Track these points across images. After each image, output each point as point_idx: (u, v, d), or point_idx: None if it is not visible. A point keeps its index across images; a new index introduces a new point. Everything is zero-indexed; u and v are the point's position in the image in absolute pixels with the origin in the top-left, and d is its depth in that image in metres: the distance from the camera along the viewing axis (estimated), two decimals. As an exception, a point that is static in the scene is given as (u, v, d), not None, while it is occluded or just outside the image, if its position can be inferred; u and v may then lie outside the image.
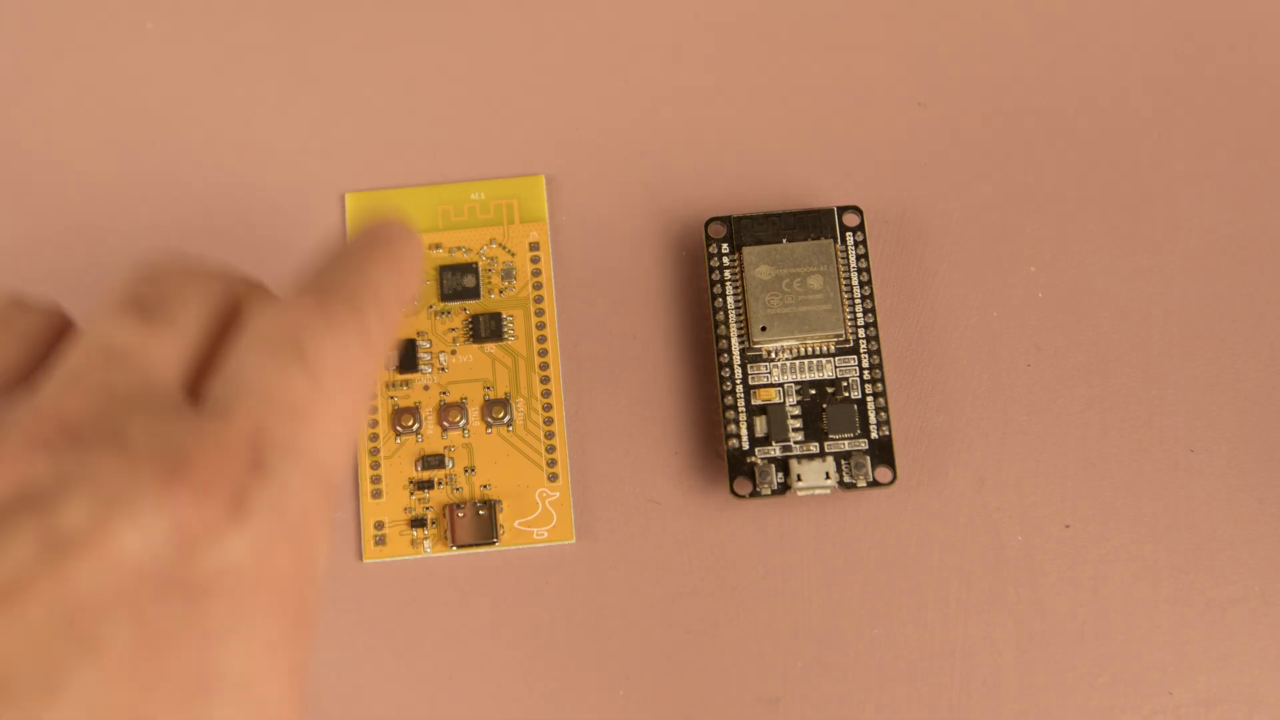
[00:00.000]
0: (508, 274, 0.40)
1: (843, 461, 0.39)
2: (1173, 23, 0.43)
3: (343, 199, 0.42)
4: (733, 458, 0.39)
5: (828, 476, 0.38)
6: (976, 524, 0.39)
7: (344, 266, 0.27)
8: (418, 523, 0.39)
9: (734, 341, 0.39)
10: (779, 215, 0.40)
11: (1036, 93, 0.43)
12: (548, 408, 0.40)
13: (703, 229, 0.41)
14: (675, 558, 0.39)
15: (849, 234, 0.40)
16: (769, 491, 0.38)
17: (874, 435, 0.39)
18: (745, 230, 0.40)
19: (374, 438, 0.39)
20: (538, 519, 0.39)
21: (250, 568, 0.24)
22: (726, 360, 0.39)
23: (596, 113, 0.43)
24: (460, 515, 0.39)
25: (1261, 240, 0.41)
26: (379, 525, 0.39)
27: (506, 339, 0.40)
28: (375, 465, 0.39)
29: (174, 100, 0.43)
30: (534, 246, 0.41)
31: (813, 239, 0.40)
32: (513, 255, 0.41)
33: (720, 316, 0.40)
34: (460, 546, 0.38)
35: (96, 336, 0.25)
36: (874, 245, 0.41)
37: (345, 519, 0.39)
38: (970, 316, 0.41)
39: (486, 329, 0.40)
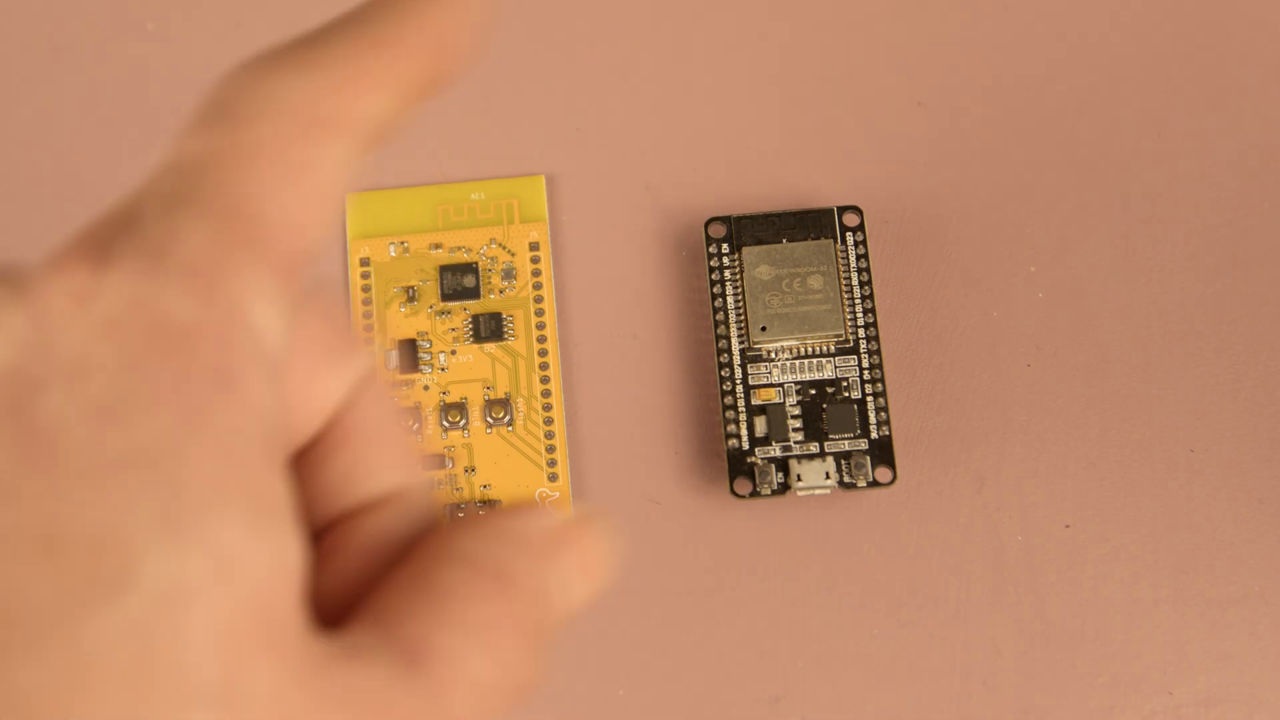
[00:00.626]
0: (508, 274, 0.41)
1: (843, 461, 0.39)
2: (1173, 22, 0.43)
3: (343, 199, 0.42)
4: (733, 458, 0.39)
5: (828, 476, 0.38)
6: (976, 524, 0.39)
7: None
8: None
9: (734, 341, 0.39)
10: (779, 215, 0.40)
11: (1036, 92, 0.43)
12: (548, 408, 0.40)
13: (703, 229, 0.41)
14: (675, 558, 0.39)
15: (849, 234, 0.40)
16: (769, 491, 0.38)
17: (874, 435, 0.39)
18: (745, 230, 0.40)
19: None
20: None
21: (133, 318, 0.21)
22: (726, 360, 0.39)
23: (597, 113, 0.43)
24: (460, 515, 0.39)
25: (1261, 240, 0.41)
26: None
27: (507, 339, 0.40)
28: None
29: (174, 100, 0.43)
30: (534, 246, 0.41)
31: (813, 239, 0.40)
32: (513, 255, 0.41)
33: (720, 316, 0.40)
34: None
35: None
36: (874, 245, 0.41)
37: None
38: (970, 316, 0.41)
39: (487, 329, 0.40)
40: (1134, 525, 0.39)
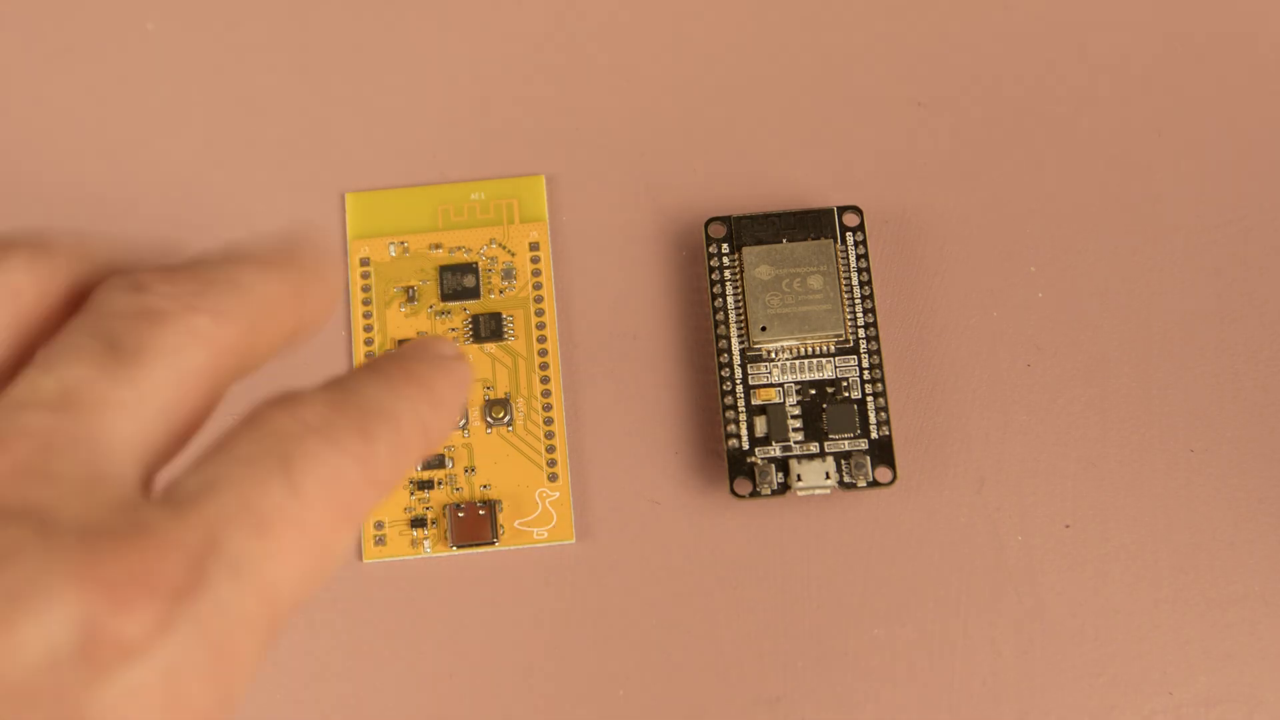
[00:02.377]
0: (508, 274, 0.40)
1: (843, 461, 0.39)
2: (1172, 23, 0.43)
3: (343, 199, 0.42)
4: (733, 458, 0.39)
5: (828, 476, 0.38)
6: (976, 524, 0.39)
7: (372, 379, 0.23)
8: (418, 523, 0.39)
9: (734, 341, 0.39)
10: (779, 215, 0.40)
11: (1036, 93, 0.43)
12: (548, 408, 0.40)
13: (703, 229, 0.41)
14: (675, 558, 0.39)
15: (849, 234, 0.40)
16: (769, 491, 0.38)
17: (874, 435, 0.39)
18: (745, 230, 0.40)
19: None
20: (538, 519, 0.39)
21: (155, 702, 0.21)
22: (726, 360, 0.39)
23: (596, 113, 0.43)
24: (460, 515, 0.39)
25: (1261, 240, 0.42)
26: (379, 525, 0.39)
27: (507, 339, 0.40)
28: None
29: (174, 100, 0.43)
30: (534, 246, 0.41)
31: (813, 239, 0.40)
32: (513, 255, 0.41)
33: (720, 316, 0.40)
34: (460, 546, 0.38)
35: (57, 367, 0.22)
36: (874, 245, 0.41)
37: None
38: (970, 316, 0.41)
39: (486, 329, 0.40)
40: (1134, 525, 0.39)
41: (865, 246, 0.40)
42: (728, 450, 0.39)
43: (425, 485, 0.39)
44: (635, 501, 0.40)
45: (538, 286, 0.40)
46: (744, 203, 0.42)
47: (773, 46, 0.43)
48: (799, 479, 0.38)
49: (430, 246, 0.41)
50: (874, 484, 0.38)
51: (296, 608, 0.22)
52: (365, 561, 0.39)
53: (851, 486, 0.38)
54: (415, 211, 0.41)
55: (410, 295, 0.40)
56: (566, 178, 0.42)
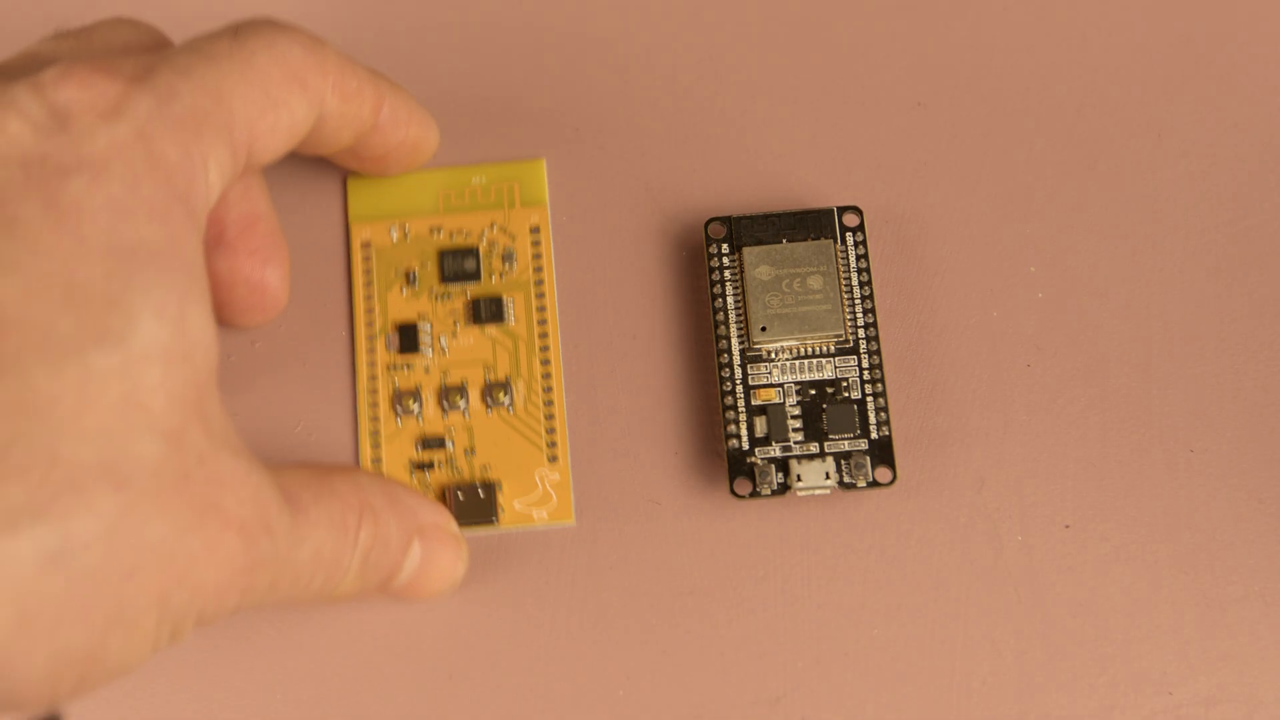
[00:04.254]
0: (508, 257, 0.40)
1: (843, 461, 0.39)
2: (1173, 23, 0.43)
3: (344, 182, 0.42)
4: (733, 458, 0.39)
5: (828, 476, 0.38)
6: (976, 524, 0.39)
7: None
8: None
9: (734, 341, 0.39)
10: (779, 215, 0.40)
11: (1036, 93, 0.43)
12: (548, 389, 0.40)
13: (703, 229, 0.41)
14: (675, 558, 0.39)
15: (849, 234, 0.40)
16: (769, 491, 0.38)
17: (874, 435, 0.39)
18: (745, 230, 0.40)
19: (374, 419, 0.39)
20: (538, 500, 0.39)
21: (137, 147, 0.28)
22: (726, 360, 0.39)
23: (596, 112, 0.43)
24: (460, 497, 0.39)
25: (1261, 240, 0.42)
26: None
27: (507, 322, 0.40)
28: (376, 446, 0.39)
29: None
30: (534, 230, 0.41)
31: (813, 239, 0.40)
32: (513, 239, 0.41)
33: (720, 316, 0.40)
34: (460, 526, 0.38)
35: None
36: (874, 245, 0.41)
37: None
38: (970, 316, 0.41)
39: (487, 311, 0.40)
40: (1134, 525, 0.39)
41: (865, 246, 0.40)
42: (728, 450, 0.39)
43: (425, 466, 0.39)
44: (635, 501, 0.40)
45: (538, 270, 0.40)
46: (744, 203, 0.42)
47: (773, 46, 0.43)
48: (799, 479, 0.38)
49: (431, 230, 0.41)
50: (874, 484, 0.38)
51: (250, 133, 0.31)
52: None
53: (851, 487, 0.38)
54: (416, 195, 0.41)
55: (410, 279, 0.40)
56: (566, 178, 0.42)
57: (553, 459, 0.39)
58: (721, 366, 0.39)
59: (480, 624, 0.39)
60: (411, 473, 0.39)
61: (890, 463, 0.39)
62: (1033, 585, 0.39)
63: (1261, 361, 0.41)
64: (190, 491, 0.28)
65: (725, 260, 0.40)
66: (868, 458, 0.39)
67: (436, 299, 0.40)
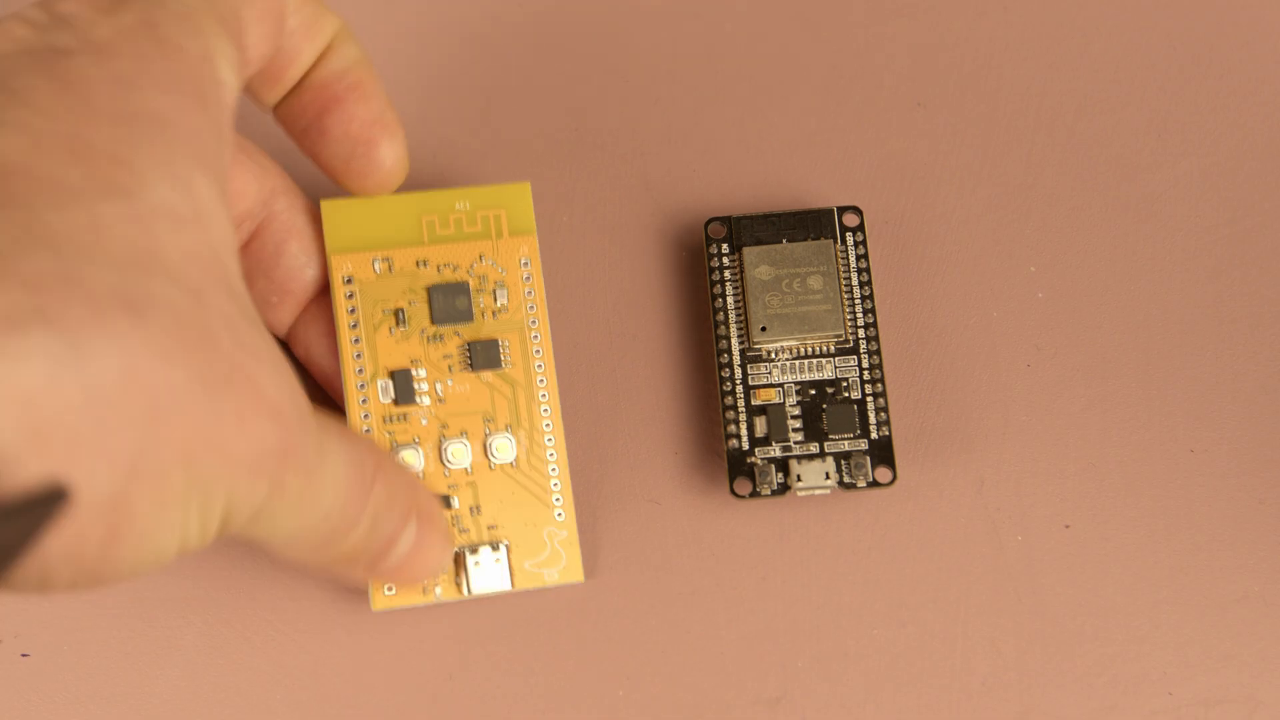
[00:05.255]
0: (499, 293, 0.39)
1: (843, 461, 0.39)
2: (1173, 23, 0.43)
3: (316, 205, 0.41)
4: (733, 458, 0.39)
5: (828, 477, 0.38)
6: (976, 524, 0.39)
7: None
8: None
9: (734, 341, 0.39)
10: (779, 215, 0.40)
11: (1037, 93, 0.43)
12: (550, 440, 0.38)
13: (703, 229, 0.41)
14: (675, 558, 0.39)
15: (849, 234, 0.40)
16: (769, 491, 0.38)
17: (874, 435, 0.39)
18: (745, 230, 0.40)
19: None
20: (547, 560, 0.38)
21: (142, 31, 0.28)
22: (726, 360, 0.39)
23: (596, 112, 0.43)
24: (475, 563, 0.37)
25: (1261, 240, 0.42)
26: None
27: (504, 367, 0.38)
28: None
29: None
30: (525, 263, 0.39)
31: (813, 239, 0.40)
32: (503, 273, 0.39)
33: (720, 316, 0.40)
34: (474, 591, 0.37)
35: None
36: (874, 245, 0.41)
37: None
38: (970, 316, 0.41)
39: (483, 358, 0.38)
40: (1134, 525, 0.39)
41: (865, 246, 0.40)
42: (728, 450, 0.39)
43: None
44: (635, 501, 0.40)
45: (531, 309, 0.39)
46: (744, 203, 0.42)
47: (773, 46, 0.43)
48: (799, 479, 0.38)
49: (417, 263, 0.38)
50: (874, 484, 0.38)
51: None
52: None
53: (851, 487, 0.38)
54: (396, 221, 0.38)
55: (399, 319, 0.38)
56: (565, 178, 0.42)
57: (559, 515, 0.38)
58: (721, 366, 0.39)
59: (480, 624, 0.39)
60: None
61: (890, 463, 0.39)
62: (1033, 585, 0.39)
63: (1261, 361, 0.41)
64: (218, 350, 0.26)
65: (725, 260, 0.40)
66: (868, 458, 0.39)
67: (429, 340, 0.38)
